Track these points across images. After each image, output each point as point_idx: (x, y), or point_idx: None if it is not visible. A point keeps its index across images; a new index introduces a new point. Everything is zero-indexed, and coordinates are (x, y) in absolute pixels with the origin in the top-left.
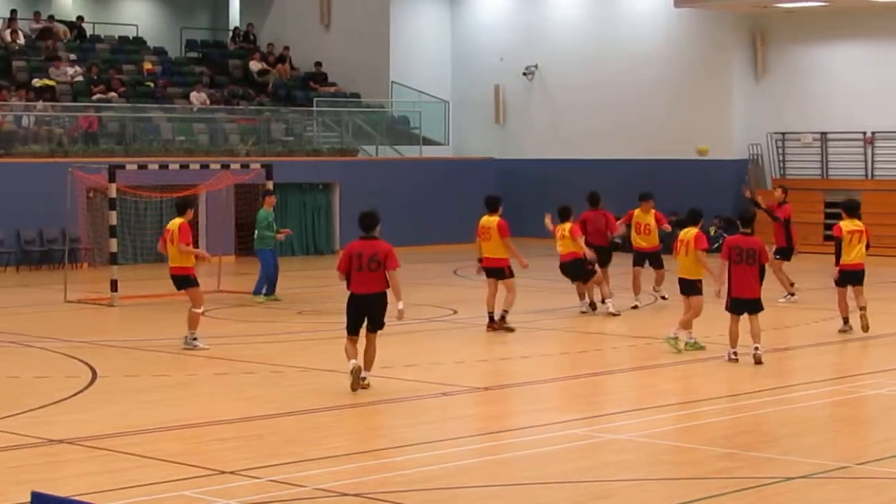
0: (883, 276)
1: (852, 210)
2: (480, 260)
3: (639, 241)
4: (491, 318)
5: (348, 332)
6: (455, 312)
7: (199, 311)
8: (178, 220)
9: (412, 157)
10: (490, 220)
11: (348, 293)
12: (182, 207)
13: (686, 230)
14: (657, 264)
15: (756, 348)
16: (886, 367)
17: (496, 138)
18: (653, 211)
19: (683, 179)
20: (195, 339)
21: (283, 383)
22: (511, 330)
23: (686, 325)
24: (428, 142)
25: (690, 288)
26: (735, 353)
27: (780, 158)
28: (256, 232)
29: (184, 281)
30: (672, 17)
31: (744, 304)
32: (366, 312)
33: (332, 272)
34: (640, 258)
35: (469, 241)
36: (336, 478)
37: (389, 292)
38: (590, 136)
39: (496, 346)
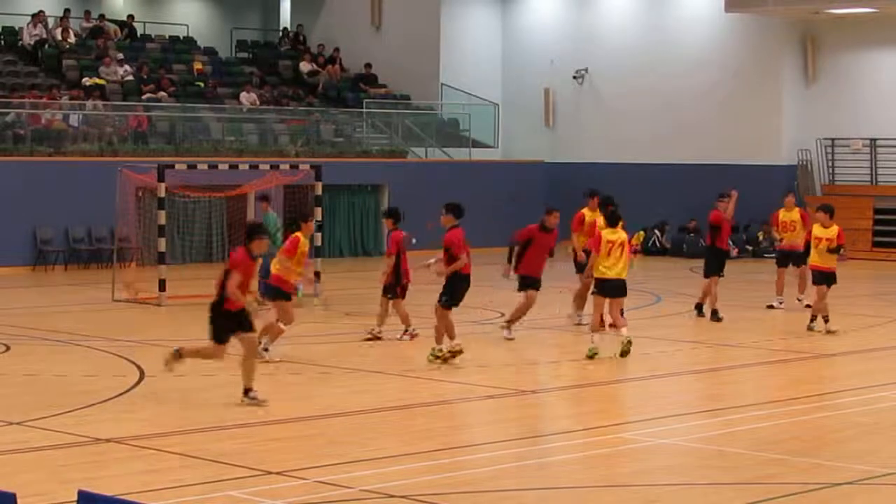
0: None
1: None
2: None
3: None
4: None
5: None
6: (503, 315)
7: None
8: None
9: (461, 160)
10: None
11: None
12: None
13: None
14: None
15: None
16: None
17: (545, 141)
18: (797, 209)
19: (732, 184)
20: None
21: (330, 384)
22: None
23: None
24: (477, 144)
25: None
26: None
27: (830, 164)
28: None
29: None
30: (722, 23)
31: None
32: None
33: (380, 274)
34: (784, 258)
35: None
36: (383, 479)
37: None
38: (639, 140)
39: (543, 350)
